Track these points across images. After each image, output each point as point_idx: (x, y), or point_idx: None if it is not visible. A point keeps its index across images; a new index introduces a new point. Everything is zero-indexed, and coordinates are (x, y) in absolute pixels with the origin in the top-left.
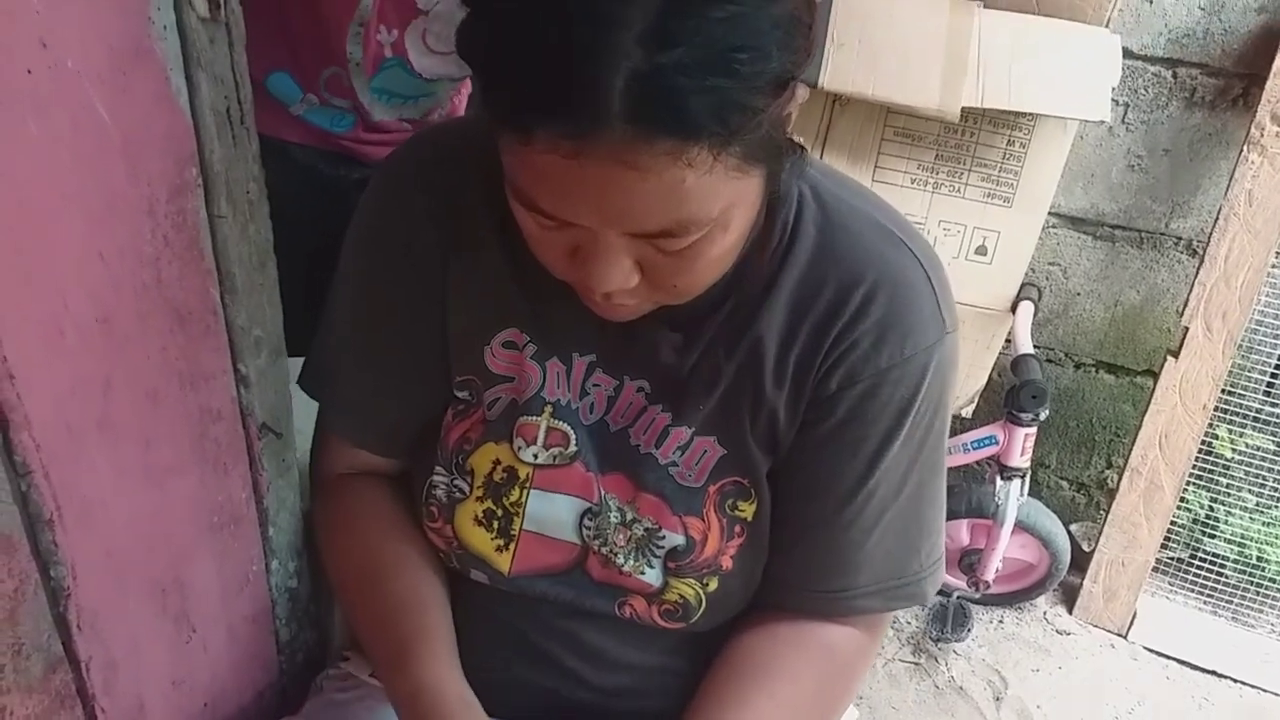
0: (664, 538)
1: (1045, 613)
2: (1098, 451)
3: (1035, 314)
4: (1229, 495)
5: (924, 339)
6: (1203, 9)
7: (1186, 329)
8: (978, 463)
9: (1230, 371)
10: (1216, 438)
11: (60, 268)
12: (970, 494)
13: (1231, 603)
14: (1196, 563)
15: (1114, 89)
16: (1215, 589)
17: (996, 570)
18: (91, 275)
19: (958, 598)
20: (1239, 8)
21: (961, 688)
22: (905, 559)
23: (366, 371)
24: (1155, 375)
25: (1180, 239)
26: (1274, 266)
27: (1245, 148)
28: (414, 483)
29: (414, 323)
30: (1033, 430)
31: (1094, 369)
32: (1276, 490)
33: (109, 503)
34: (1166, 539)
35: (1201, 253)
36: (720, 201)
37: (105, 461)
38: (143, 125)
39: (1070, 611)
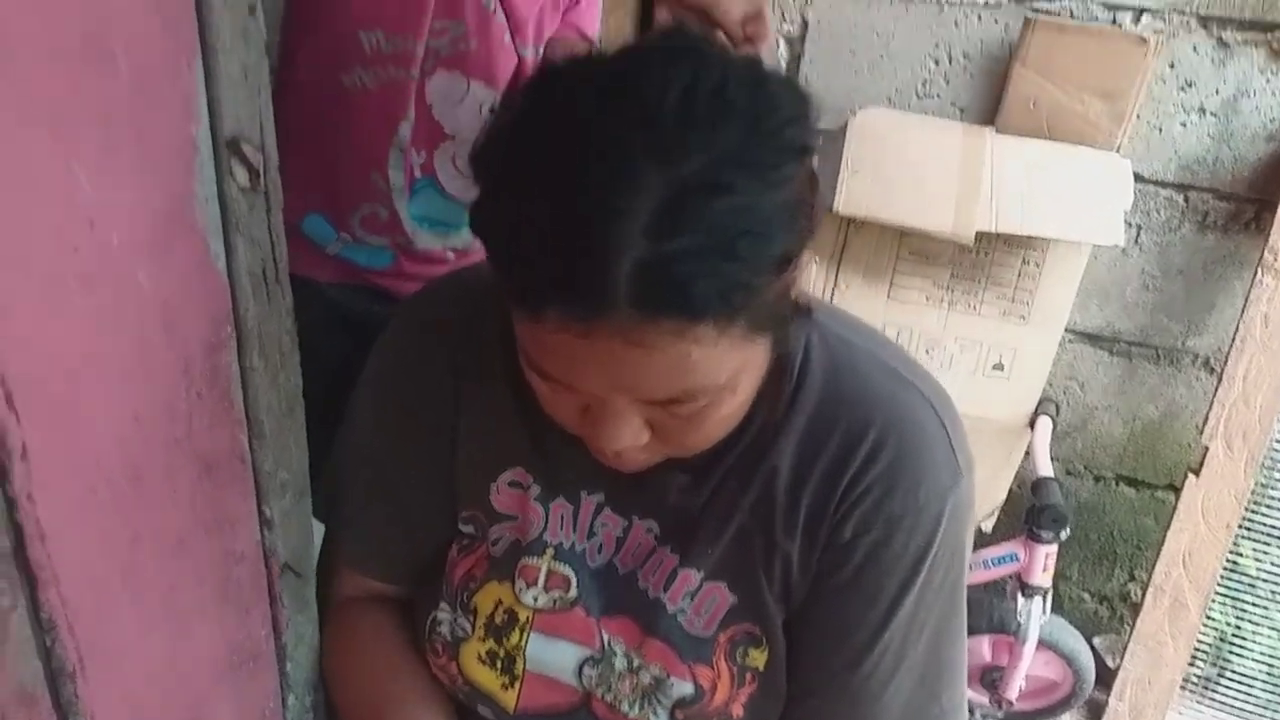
0: (672, 685)
1: None
2: (1120, 565)
3: (1054, 429)
4: (1256, 612)
5: (937, 485)
6: (1211, 136)
7: (1207, 448)
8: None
9: (1253, 489)
10: (1241, 555)
11: (96, 430)
12: (992, 610)
13: None
14: (1225, 681)
15: (1126, 211)
16: (1245, 708)
17: (1020, 688)
18: (125, 435)
19: (981, 716)
20: (1248, 136)
21: None
22: (925, 706)
23: (376, 503)
24: (1176, 490)
25: (1197, 356)
26: None
27: (1259, 271)
28: (417, 615)
29: (424, 458)
30: (1054, 548)
31: (1114, 482)
32: None
33: (131, 651)
34: (1193, 656)
35: (1219, 371)
36: (727, 370)
37: (129, 612)
38: (181, 290)
39: None
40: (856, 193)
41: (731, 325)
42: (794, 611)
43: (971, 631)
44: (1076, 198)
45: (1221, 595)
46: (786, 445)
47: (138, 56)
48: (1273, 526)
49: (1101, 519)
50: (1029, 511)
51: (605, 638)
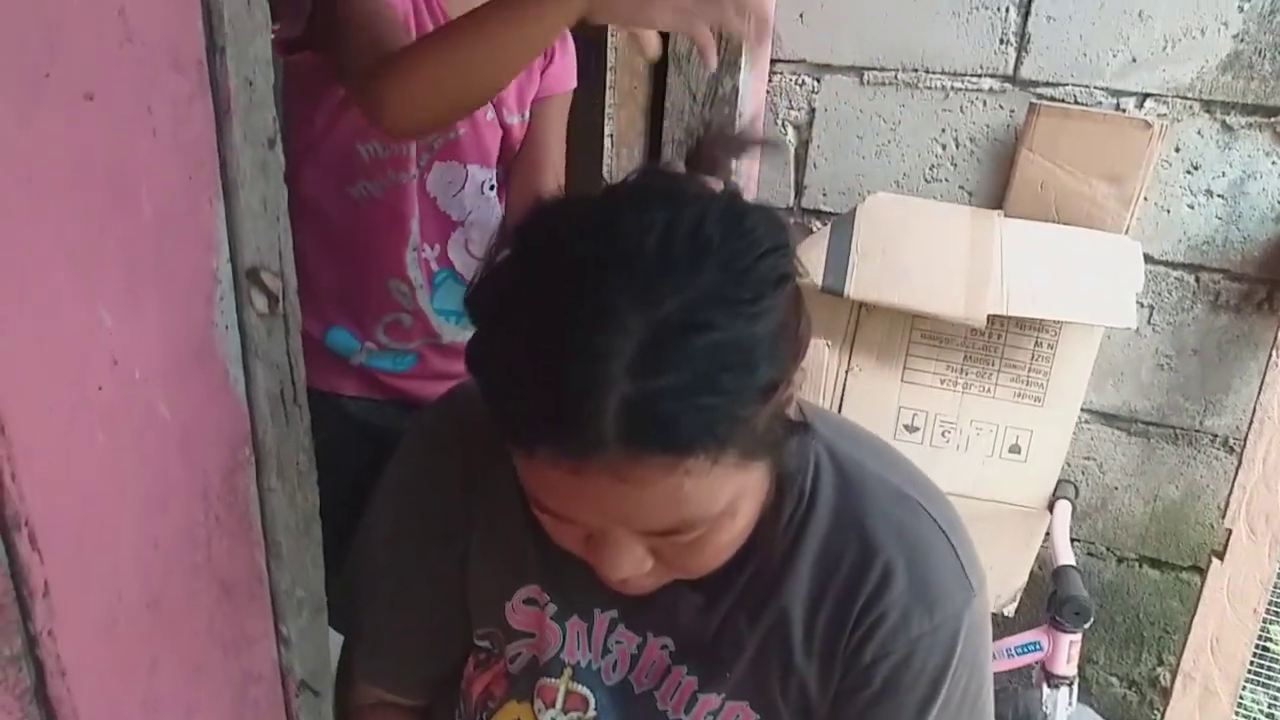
0: None
1: None
2: (1147, 648)
3: (1073, 512)
4: None
5: (951, 605)
6: (1220, 218)
7: (1230, 531)
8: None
9: (1279, 572)
10: (1271, 639)
11: (116, 562)
12: (1018, 701)
13: None
14: None
15: (1137, 293)
16: None
17: None
18: (145, 564)
19: None
20: (1256, 217)
21: None
22: None
23: (390, 618)
24: (1201, 571)
25: (1216, 436)
26: None
27: (1274, 353)
28: None
29: (438, 574)
30: (1078, 637)
31: (1137, 564)
32: None
33: None
34: None
35: (1239, 451)
36: (723, 498)
37: None
38: (200, 417)
39: None
40: (867, 277)
41: (723, 455)
42: None
43: None
44: (1087, 280)
45: (1252, 680)
46: (799, 570)
47: (161, 197)
48: None
49: (1126, 601)
50: (1051, 601)
51: None
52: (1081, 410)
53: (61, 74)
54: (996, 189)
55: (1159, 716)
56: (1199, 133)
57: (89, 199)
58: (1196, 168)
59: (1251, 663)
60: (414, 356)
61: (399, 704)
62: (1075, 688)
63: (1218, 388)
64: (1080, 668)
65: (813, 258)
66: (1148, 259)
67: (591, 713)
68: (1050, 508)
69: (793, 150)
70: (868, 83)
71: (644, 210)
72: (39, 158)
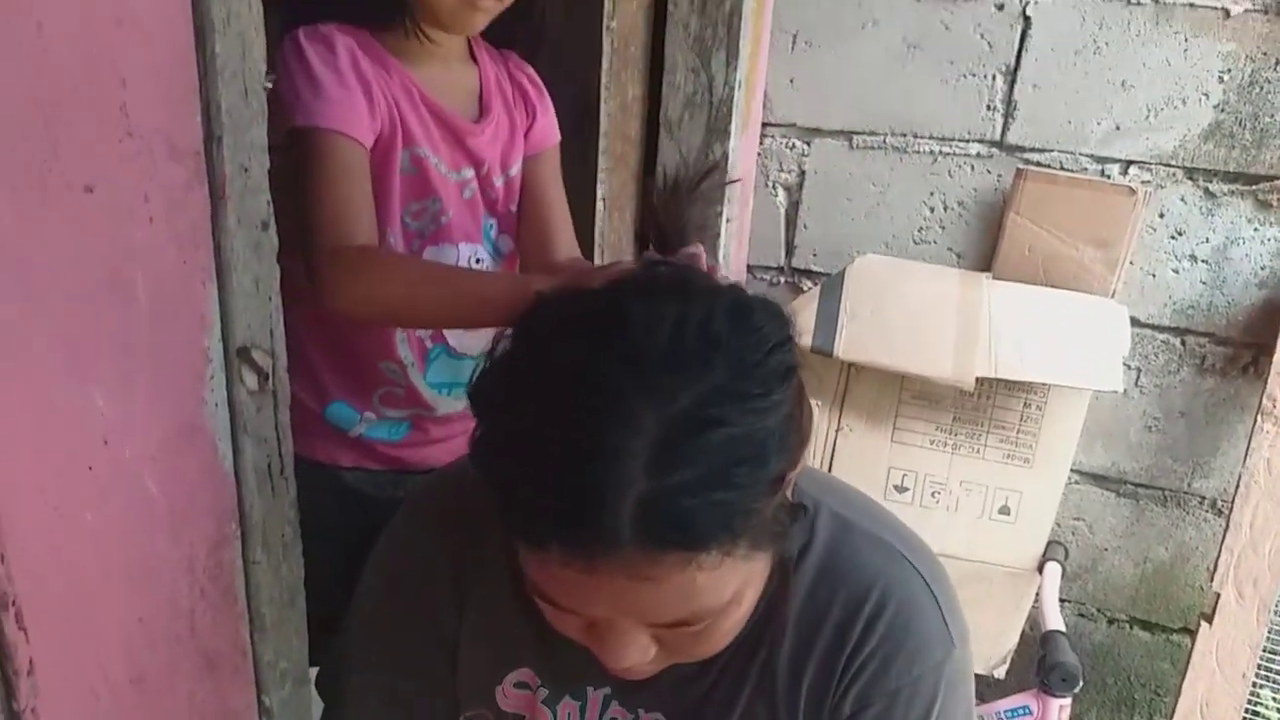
0: None
1: None
2: (1139, 711)
3: (1063, 574)
4: None
5: (931, 658)
6: (1204, 283)
7: (1219, 595)
8: None
9: (1269, 634)
10: (1261, 703)
11: (101, 638)
12: None
13: None
14: None
15: (1124, 356)
16: None
17: None
18: (130, 639)
19: None
20: (1240, 282)
21: None
22: None
23: (378, 700)
24: (1191, 633)
25: (1204, 499)
26: None
27: (1259, 417)
28: None
29: (427, 656)
30: (1067, 702)
31: (1128, 625)
32: None
33: None
34: None
35: (1227, 513)
36: (731, 589)
37: None
38: (188, 493)
39: None
40: (856, 338)
41: (735, 548)
42: None
43: None
44: (1074, 343)
45: None
46: (785, 627)
47: (156, 282)
48: None
49: (1118, 663)
50: (1039, 666)
51: None
52: (1071, 471)
53: (63, 168)
54: (985, 251)
55: None
56: (1182, 199)
57: (86, 287)
58: (1181, 233)
59: None
60: (409, 425)
61: None
62: None
63: (1205, 450)
64: None
65: (802, 318)
66: (1134, 322)
67: None
68: (1040, 569)
69: (783, 211)
70: (857, 146)
71: (652, 305)
72: (39, 249)
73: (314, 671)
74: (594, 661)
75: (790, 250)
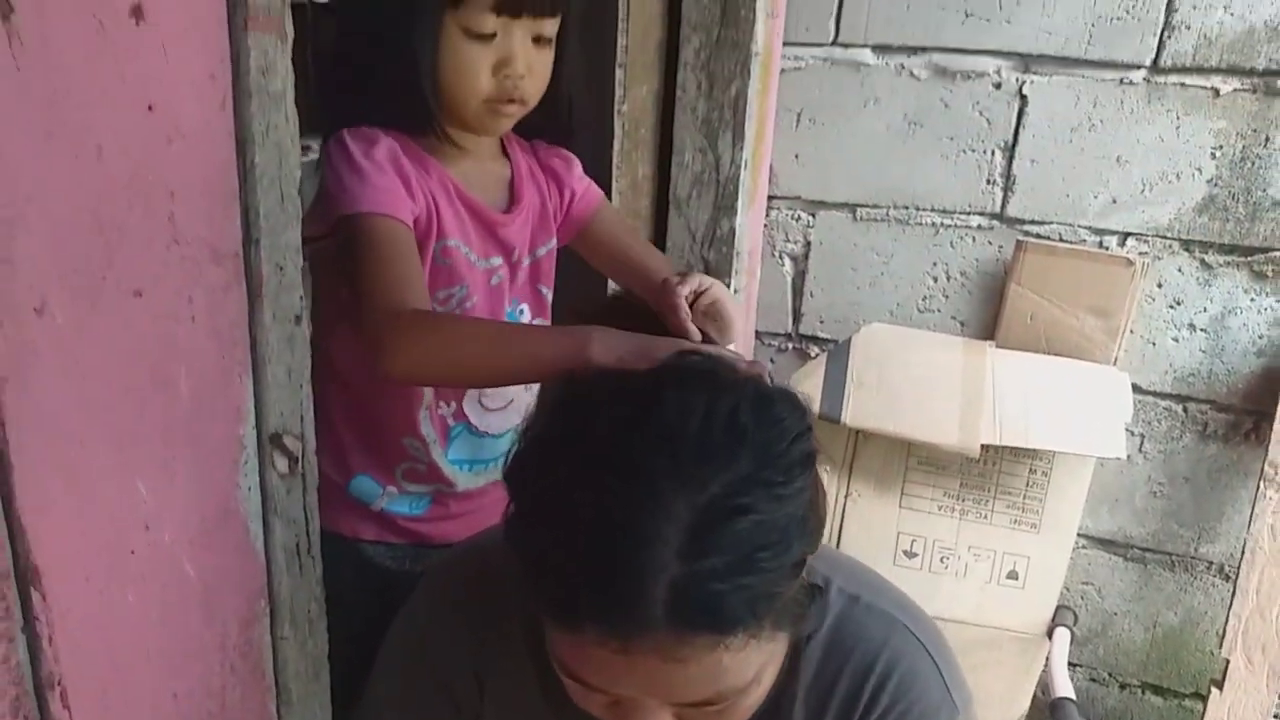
0: None
1: None
2: None
3: (1072, 639)
4: None
5: None
6: (1204, 351)
7: (1227, 661)
8: None
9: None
10: None
11: (138, 713)
12: None
13: None
14: None
15: (1127, 422)
16: None
17: None
18: (164, 715)
19: None
20: (1239, 350)
21: None
22: None
23: None
24: (1204, 698)
25: (1211, 564)
26: None
27: (1262, 483)
28: None
29: None
30: None
31: (1140, 690)
32: None
33: None
34: None
35: (1233, 579)
36: (754, 668)
37: None
38: (221, 574)
39: None
40: (862, 405)
41: (760, 630)
42: None
43: None
44: (1078, 411)
45: None
46: (795, 699)
47: (197, 376)
48: None
49: None
50: None
51: None
52: (1079, 535)
53: (117, 275)
54: (988, 319)
55: None
56: (1180, 270)
57: (133, 383)
58: (1179, 303)
59: None
60: (430, 500)
61: None
62: None
63: (1210, 515)
64: None
65: (809, 385)
66: (1137, 389)
67: None
68: (1049, 634)
69: (790, 280)
70: (861, 218)
71: (684, 395)
72: (92, 349)
73: None
74: None
75: (797, 318)
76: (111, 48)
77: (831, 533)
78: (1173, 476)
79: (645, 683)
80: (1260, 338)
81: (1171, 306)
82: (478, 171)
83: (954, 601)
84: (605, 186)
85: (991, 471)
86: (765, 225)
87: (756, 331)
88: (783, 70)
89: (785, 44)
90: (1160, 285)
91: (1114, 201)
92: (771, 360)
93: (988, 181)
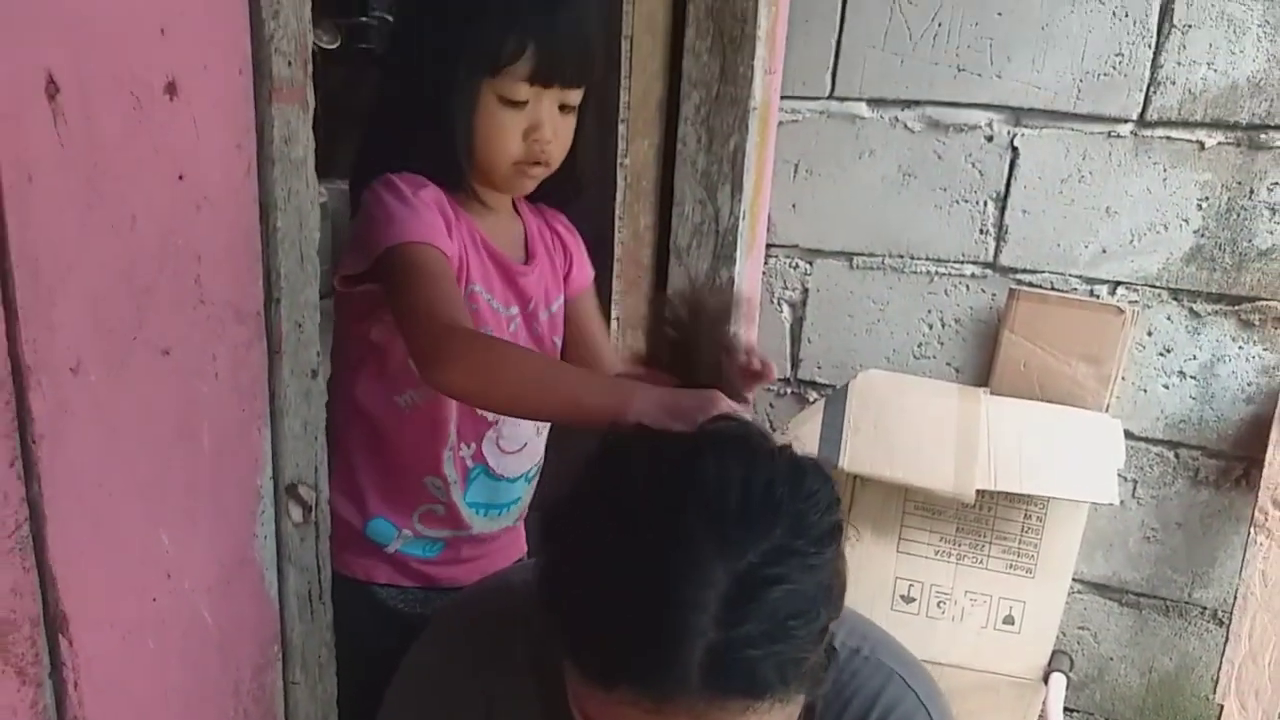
0: None
1: None
2: None
3: (1068, 684)
4: None
5: None
6: (1194, 398)
7: (1221, 706)
8: None
9: None
10: None
11: None
12: None
13: None
14: None
15: (1120, 469)
16: None
17: None
18: None
19: None
20: (1228, 398)
21: None
22: None
23: None
24: None
25: (1205, 609)
26: None
27: (1252, 529)
28: None
29: None
30: None
31: None
32: None
33: None
34: None
35: (1227, 624)
36: None
37: None
38: (237, 620)
39: None
40: (860, 451)
41: (787, 694)
42: None
43: None
44: (1071, 457)
45: None
46: None
47: (218, 430)
48: None
49: None
50: None
51: None
52: (1074, 580)
53: (147, 335)
54: (982, 366)
55: None
56: (1169, 318)
57: (159, 437)
58: (1169, 350)
59: None
60: (443, 544)
61: None
62: None
63: (1203, 560)
64: None
65: (808, 430)
66: (1129, 435)
67: None
68: (1046, 679)
69: (788, 327)
70: (857, 266)
71: (723, 464)
72: (122, 407)
73: None
74: None
75: (796, 363)
76: (147, 122)
77: None
78: (1165, 522)
79: None
80: (1249, 385)
81: (1161, 354)
82: (498, 227)
83: (951, 646)
84: (609, 236)
85: (987, 517)
86: (764, 273)
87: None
88: (780, 123)
89: (783, 98)
90: (1150, 333)
91: (1104, 251)
92: (770, 405)
93: (980, 231)
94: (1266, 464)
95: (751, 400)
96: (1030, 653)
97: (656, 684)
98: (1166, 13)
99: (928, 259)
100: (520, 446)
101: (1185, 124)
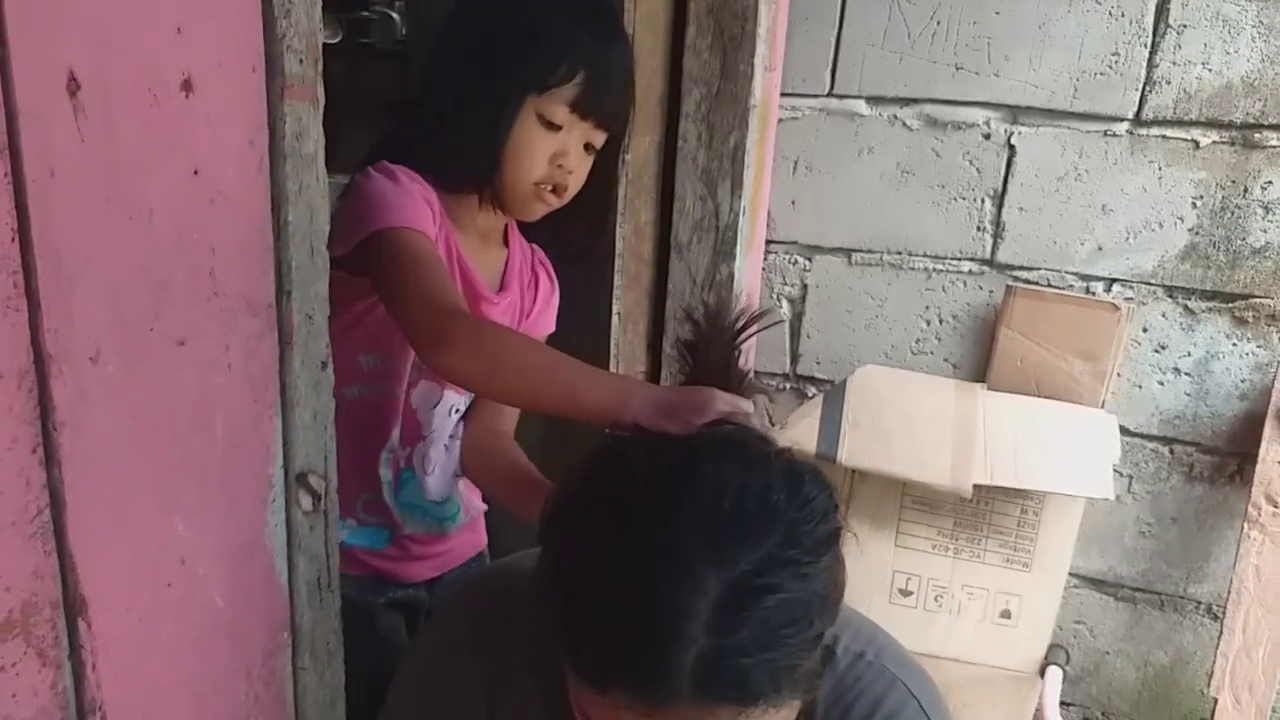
0: None
1: None
2: None
3: (1064, 678)
4: None
5: None
6: (1188, 394)
7: (1216, 700)
8: None
9: None
10: None
11: None
12: None
13: None
14: None
15: (1115, 464)
16: None
17: None
18: None
19: None
20: (1222, 394)
21: None
22: None
23: None
24: None
25: (1200, 603)
26: None
27: (1246, 524)
28: None
29: None
30: None
31: None
32: None
33: None
34: None
35: (1221, 618)
36: None
37: None
38: (248, 605)
39: None
40: (858, 446)
41: (779, 700)
42: None
43: None
44: (1067, 452)
45: None
46: None
47: (231, 420)
48: None
49: None
50: None
51: None
52: (1070, 575)
53: (163, 326)
54: (979, 362)
55: None
56: (1164, 315)
57: (174, 426)
58: (1164, 347)
59: None
60: (388, 535)
61: None
62: None
63: (1198, 555)
64: None
65: (806, 425)
66: (1124, 431)
67: None
68: (1042, 673)
69: (787, 323)
70: (855, 263)
71: (719, 471)
72: (139, 397)
73: None
74: None
75: (795, 359)
76: (164, 118)
77: None
78: (1161, 517)
79: None
80: (1243, 381)
81: (1156, 351)
82: (479, 249)
83: (949, 640)
84: (609, 233)
85: (984, 511)
86: (763, 269)
87: (755, 372)
88: (780, 120)
89: (782, 95)
90: (1145, 330)
91: (1099, 249)
92: (770, 400)
93: (978, 228)
94: (1260, 460)
95: (752, 400)
96: (1027, 646)
97: (648, 690)
98: (1162, 13)
99: (926, 256)
100: (450, 475)
101: (1180, 123)
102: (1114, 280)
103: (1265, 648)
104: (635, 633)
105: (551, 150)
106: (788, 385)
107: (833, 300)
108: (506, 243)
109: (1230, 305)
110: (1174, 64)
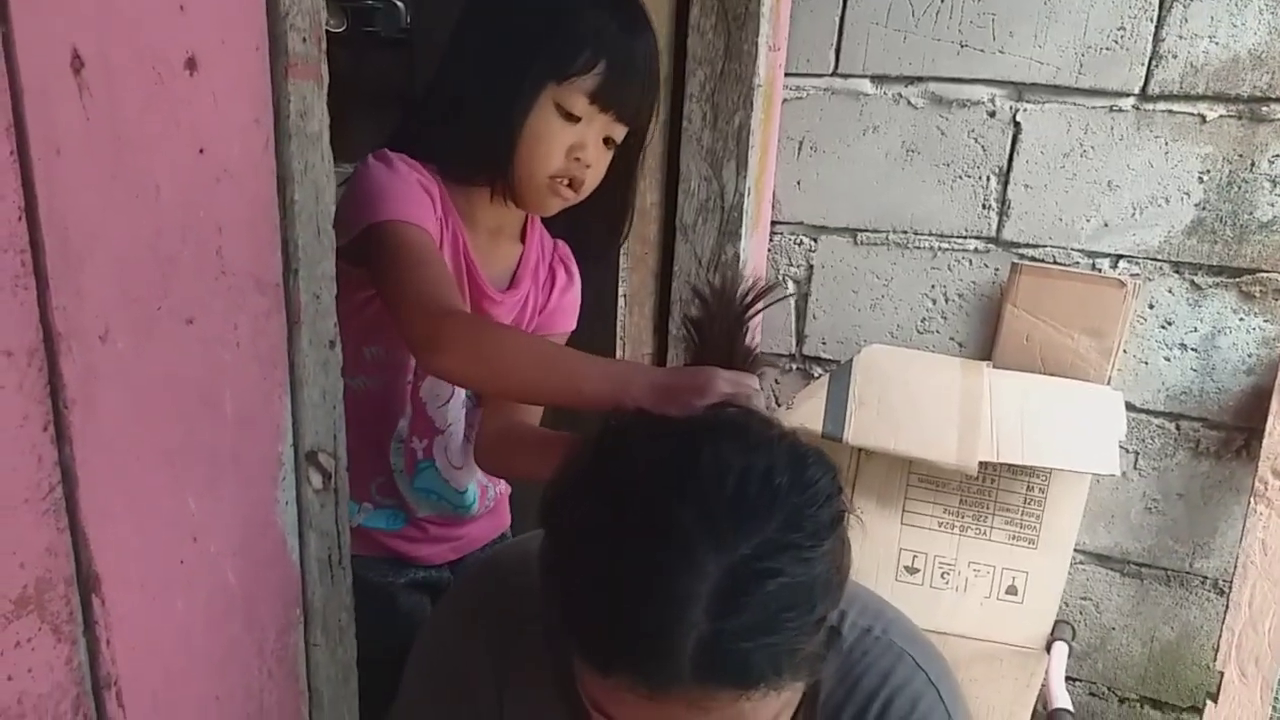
0: None
1: None
2: None
3: (1070, 654)
4: None
5: None
6: (1195, 370)
7: (1221, 674)
8: None
9: (1273, 714)
10: None
11: (184, 715)
12: None
13: None
14: None
15: (1121, 440)
16: None
17: None
18: (207, 717)
19: None
20: (1228, 369)
21: None
22: None
23: None
24: (1199, 711)
25: (1206, 579)
26: None
27: (1252, 499)
28: None
29: None
30: None
31: (1138, 704)
32: None
33: None
34: None
35: (1227, 593)
36: (774, 713)
37: None
38: (260, 582)
39: None
40: (864, 424)
41: (781, 683)
42: None
43: None
44: (1072, 429)
45: None
46: None
47: (240, 398)
48: None
49: None
50: None
51: None
52: (1076, 550)
53: (171, 305)
54: (985, 340)
55: None
56: (1170, 291)
57: (183, 406)
58: (1170, 323)
59: None
60: (404, 516)
61: None
62: None
63: (1204, 531)
64: None
65: (813, 405)
66: (1130, 407)
67: None
68: (1048, 649)
69: (793, 303)
70: (861, 242)
71: (720, 453)
72: (147, 376)
73: None
74: None
75: (801, 339)
76: (168, 96)
77: None
78: (1167, 493)
79: None
80: (1249, 356)
81: (1163, 327)
82: (491, 246)
83: (955, 616)
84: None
85: (990, 488)
86: (769, 249)
87: (761, 352)
88: (785, 100)
89: (787, 75)
90: (1152, 306)
91: (1105, 225)
92: (776, 381)
93: (983, 206)
94: (1266, 434)
95: (759, 375)
96: (1033, 623)
97: (649, 674)
98: None
99: (931, 234)
100: (464, 463)
101: (1187, 97)
102: (1120, 256)
103: (1271, 621)
104: (636, 618)
105: (569, 142)
106: (794, 366)
107: (838, 280)
108: (524, 239)
109: (1237, 280)
110: (1180, 37)
